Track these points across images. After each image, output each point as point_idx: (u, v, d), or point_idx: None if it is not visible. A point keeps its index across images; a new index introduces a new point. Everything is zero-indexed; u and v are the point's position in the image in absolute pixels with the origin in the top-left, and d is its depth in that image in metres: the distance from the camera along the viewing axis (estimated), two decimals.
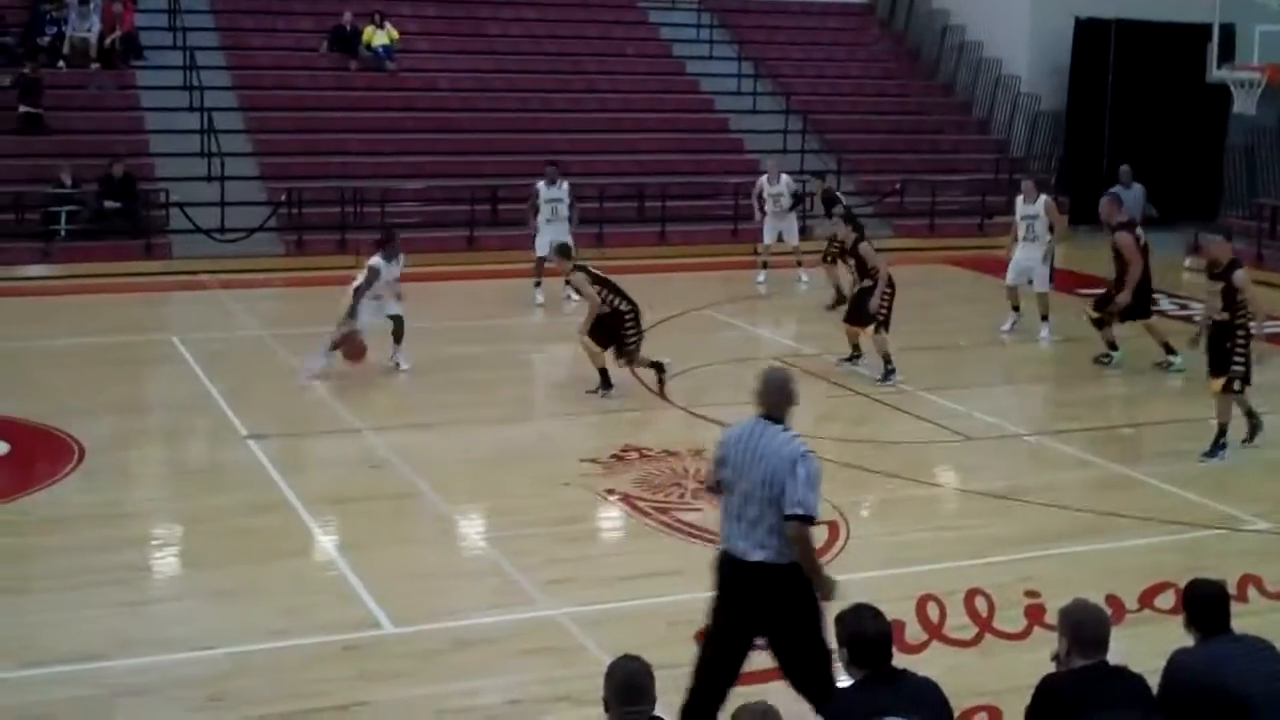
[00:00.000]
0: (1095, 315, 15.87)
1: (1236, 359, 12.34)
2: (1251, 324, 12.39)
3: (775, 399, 6.86)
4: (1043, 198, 17.15)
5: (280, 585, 9.41)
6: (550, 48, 27.49)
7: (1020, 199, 17.37)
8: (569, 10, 28.60)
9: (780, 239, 20.55)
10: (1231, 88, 19.79)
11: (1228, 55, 20.36)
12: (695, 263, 22.27)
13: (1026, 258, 17.18)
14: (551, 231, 18.33)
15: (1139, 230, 15.99)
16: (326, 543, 10.39)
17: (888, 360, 15.07)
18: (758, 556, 6.65)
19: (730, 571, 6.78)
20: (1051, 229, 17.08)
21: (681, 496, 11.25)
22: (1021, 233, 17.22)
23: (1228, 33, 20.17)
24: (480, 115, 25.41)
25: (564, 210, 18.79)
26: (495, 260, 21.36)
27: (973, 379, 15.85)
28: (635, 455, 12.29)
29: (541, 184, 18.89)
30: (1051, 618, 6.58)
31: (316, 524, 10.65)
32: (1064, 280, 18.26)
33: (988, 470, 12.49)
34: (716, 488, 6.99)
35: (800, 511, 6.56)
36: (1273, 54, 19.46)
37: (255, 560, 9.89)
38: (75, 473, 11.74)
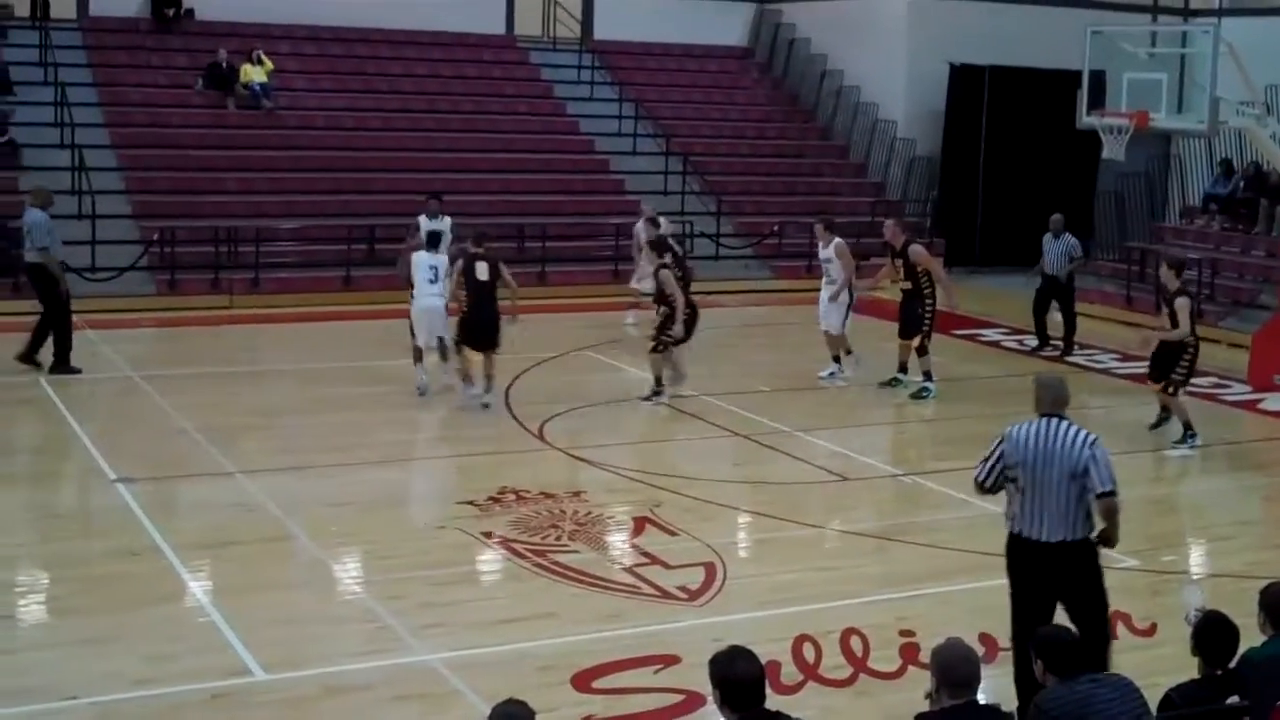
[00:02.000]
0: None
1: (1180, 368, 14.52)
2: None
3: (1055, 398, 7.82)
4: (835, 241, 17.10)
5: (148, 632, 9.19)
6: (430, 87, 27.40)
7: (819, 245, 17.38)
8: (450, 49, 28.53)
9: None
10: (1101, 134, 20.15)
11: (1098, 102, 20.76)
12: (575, 303, 22.22)
13: (821, 301, 17.39)
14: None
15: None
16: (196, 588, 10.18)
17: (659, 381, 15.67)
18: (1059, 537, 7.62)
19: (1032, 554, 7.73)
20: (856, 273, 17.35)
21: (559, 539, 11.17)
22: (824, 277, 17.42)
23: (1098, 79, 20.57)
24: (358, 154, 25.24)
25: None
26: (372, 300, 21.17)
27: (849, 419, 15.95)
28: (513, 497, 12.19)
29: (423, 217, 18.49)
30: (926, 656, 6.61)
31: (186, 569, 10.43)
32: (946, 322, 18.36)
33: (864, 510, 12.58)
34: (993, 487, 7.90)
35: (1110, 489, 7.58)
36: (1141, 101, 19.86)
37: (122, 607, 9.66)
38: None
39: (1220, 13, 25.65)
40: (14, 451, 14.16)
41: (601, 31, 30.62)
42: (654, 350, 15.72)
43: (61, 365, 16.51)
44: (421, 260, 15.62)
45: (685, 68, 30.84)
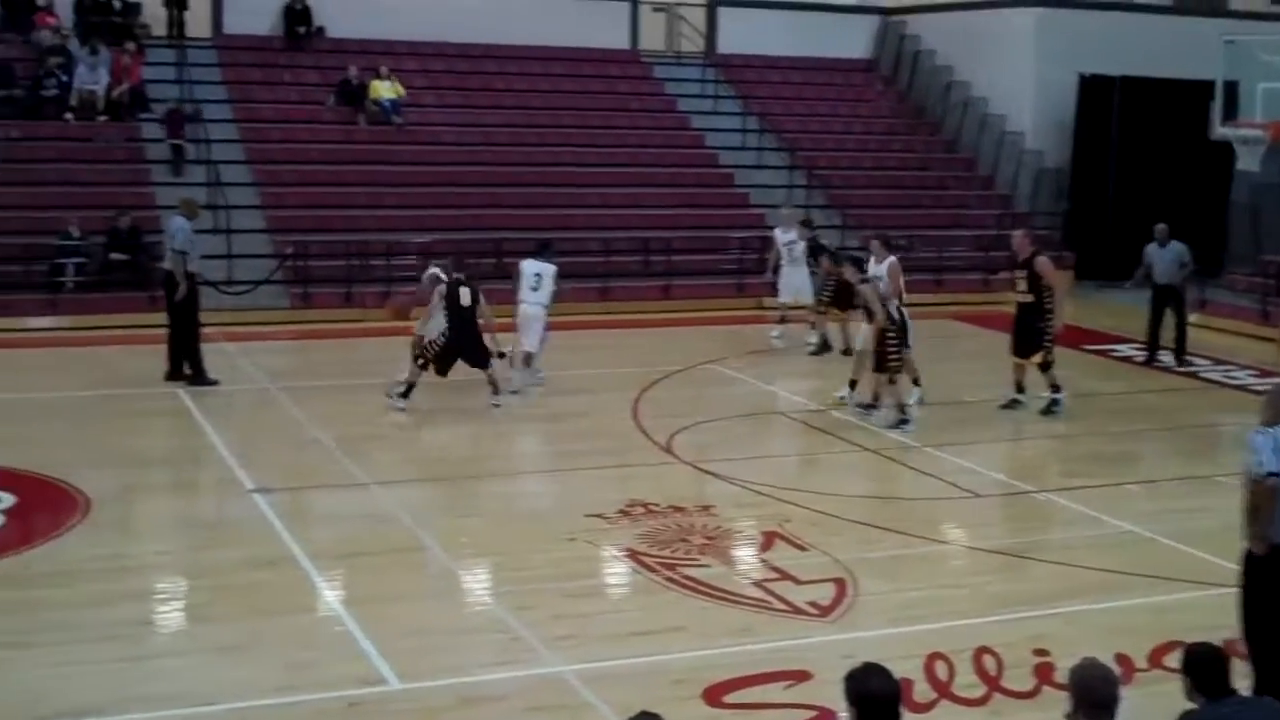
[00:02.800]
0: None
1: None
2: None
3: None
4: (890, 260, 15.74)
5: (284, 641, 9.35)
6: (555, 101, 27.61)
7: (871, 260, 16.15)
8: (575, 65, 28.74)
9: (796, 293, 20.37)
10: (1235, 145, 19.82)
11: (1232, 112, 20.40)
12: (700, 317, 22.25)
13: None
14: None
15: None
16: (331, 598, 10.34)
17: (901, 408, 15.17)
18: None
19: None
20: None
21: (688, 553, 11.18)
22: None
23: (1232, 90, 20.24)
24: (485, 169, 25.51)
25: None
26: (499, 314, 21.33)
27: (981, 435, 15.77)
28: (642, 510, 12.23)
29: (527, 262, 17.21)
30: (1061, 676, 6.54)
31: (321, 579, 10.60)
32: (1072, 336, 18.17)
33: (995, 527, 12.46)
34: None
35: None
36: (1276, 111, 19.51)
37: (259, 615, 9.82)
38: (80, 526, 11.70)
39: None
40: (154, 462, 14.48)
41: (725, 45, 30.67)
42: (883, 375, 15.29)
43: (198, 377, 16.84)
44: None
45: (810, 80, 30.77)
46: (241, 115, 25.66)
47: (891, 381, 15.22)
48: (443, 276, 16.06)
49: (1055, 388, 16.16)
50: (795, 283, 20.36)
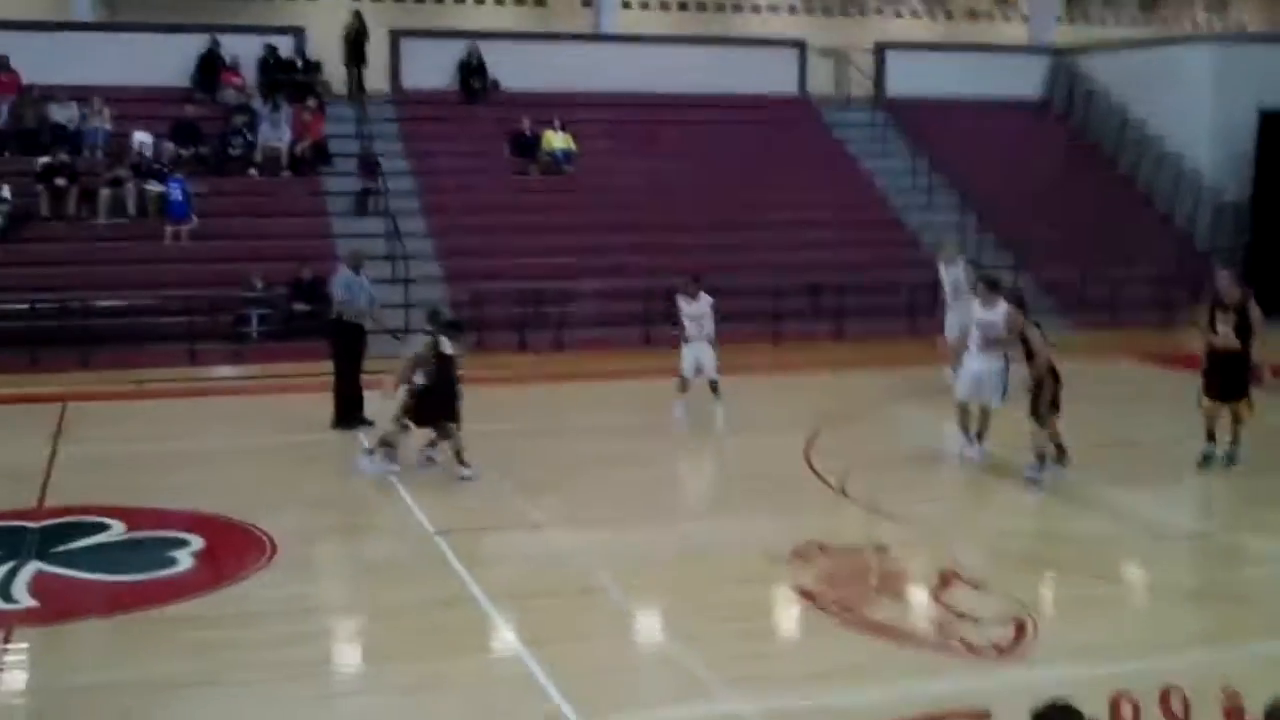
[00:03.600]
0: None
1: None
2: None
3: None
4: (1002, 305, 15.16)
5: (466, 680, 9.50)
6: (726, 148, 27.79)
7: (978, 303, 15.58)
8: (745, 111, 28.92)
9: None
10: None
11: None
12: (873, 357, 22.11)
13: (973, 369, 15.54)
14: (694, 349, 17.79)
15: None
16: (511, 637, 10.48)
17: (1041, 455, 14.52)
18: None
19: None
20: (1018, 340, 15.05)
21: (864, 593, 11.14)
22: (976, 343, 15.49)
23: None
24: (656, 215, 25.73)
25: (708, 325, 17.87)
26: (672, 357, 21.51)
27: (1158, 475, 15.46)
28: (817, 551, 12.22)
29: (681, 298, 17.97)
30: (1253, 717, 6.41)
31: (502, 618, 10.76)
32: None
33: (1176, 567, 12.20)
34: None
35: None
36: None
37: (441, 655, 9.99)
38: (267, 568, 12.04)
39: None
40: (337, 505, 14.81)
41: (894, 89, 30.61)
42: (1036, 420, 14.45)
43: (341, 421, 17.19)
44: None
45: (980, 122, 30.52)
46: (418, 168, 26.28)
47: (1041, 427, 14.62)
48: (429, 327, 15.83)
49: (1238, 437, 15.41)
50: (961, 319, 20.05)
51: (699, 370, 17.65)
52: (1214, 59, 28.25)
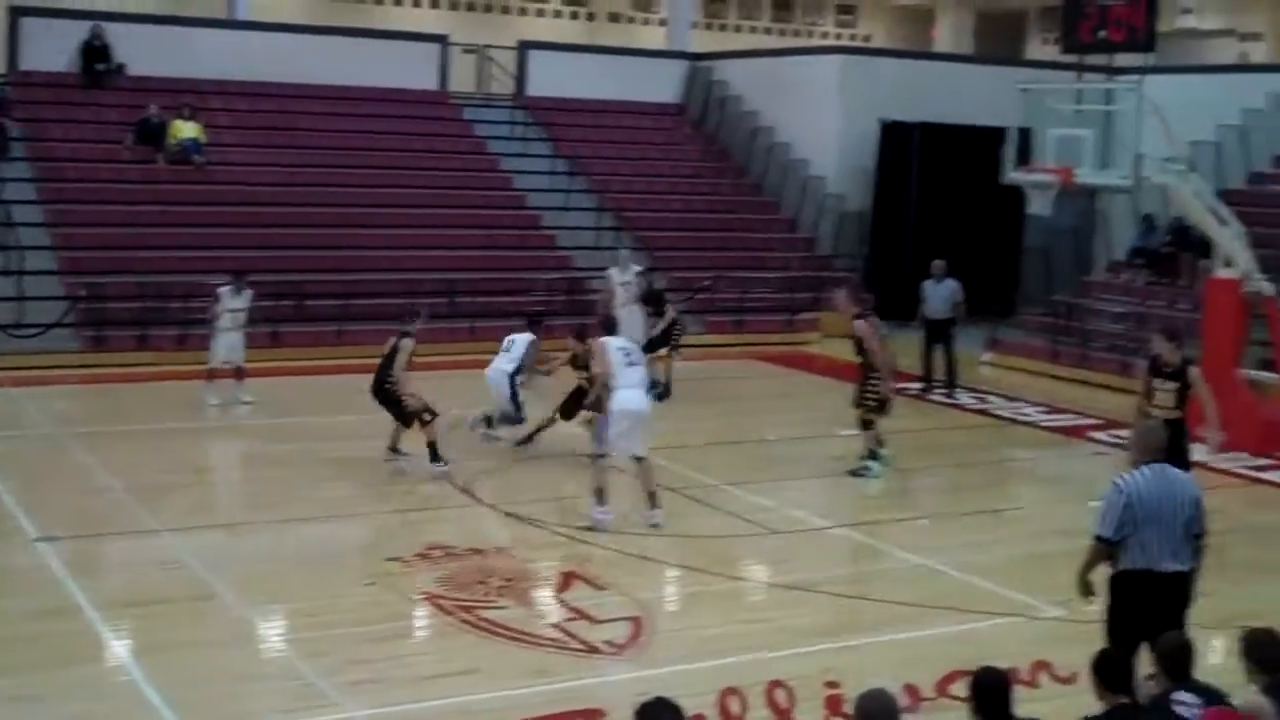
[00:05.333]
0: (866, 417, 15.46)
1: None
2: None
3: (1157, 445, 8.57)
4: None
5: (69, 693, 9.07)
6: (362, 143, 27.32)
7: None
8: (382, 105, 28.50)
9: None
10: (1026, 190, 20.36)
11: (1025, 158, 20.98)
12: None
13: None
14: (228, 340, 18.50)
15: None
16: (119, 648, 10.06)
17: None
18: (1176, 567, 8.32)
19: (1155, 584, 8.30)
20: None
21: (486, 595, 11.12)
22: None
23: (1025, 136, 20.81)
24: (289, 210, 25.13)
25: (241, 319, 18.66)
26: (298, 356, 21.12)
27: (779, 472, 15.97)
28: (441, 554, 12.13)
29: (225, 289, 18.63)
30: (850, 707, 6.65)
31: (109, 629, 10.31)
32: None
33: (792, 563, 12.58)
34: (1119, 540, 8.28)
35: (1205, 530, 8.45)
36: (1066, 158, 20.09)
37: (43, 667, 9.50)
38: None
39: (1144, 70, 26.05)
40: None
41: (535, 88, 30.75)
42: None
43: None
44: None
45: (619, 123, 30.97)
46: (34, 154, 24.95)
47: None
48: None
49: (873, 453, 15.56)
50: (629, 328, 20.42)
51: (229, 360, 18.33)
52: (840, 70, 29.34)
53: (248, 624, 10.69)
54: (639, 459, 13.10)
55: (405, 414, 14.82)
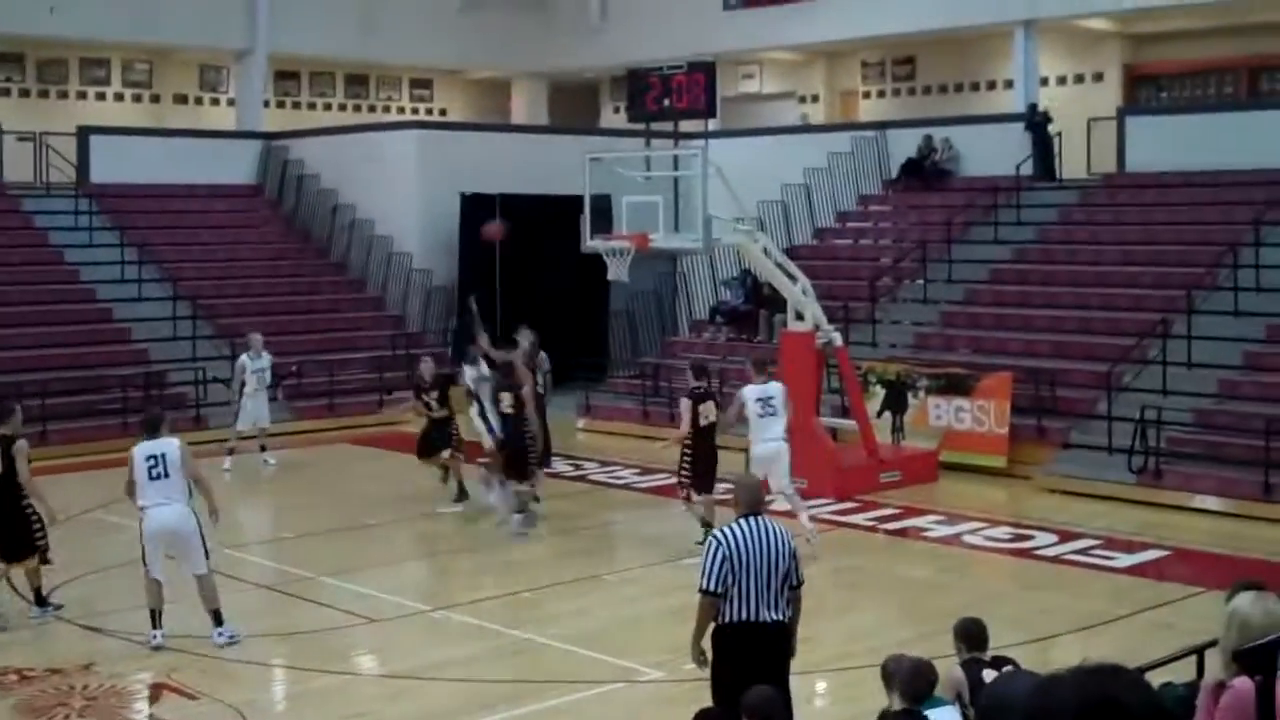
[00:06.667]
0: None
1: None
2: None
3: (754, 498, 8.73)
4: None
5: None
6: None
7: None
8: None
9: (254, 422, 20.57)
10: (605, 256, 20.68)
11: (603, 226, 21.31)
12: (81, 462, 20.82)
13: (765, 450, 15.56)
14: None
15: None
16: None
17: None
18: (775, 617, 8.41)
19: (756, 635, 8.38)
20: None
21: (67, 718, 10.39)
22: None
23: (602, 204, 21.15)
24: None
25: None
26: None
27: (379, 558, 15.63)
28: (15, 678, 11.29)
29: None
30: None
31: None
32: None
33: (394, 650, 12.29)
34: (722, 591, 8.29)
35: (801, 581, 8.57)
36: (641, 223, 20.49)
37: None
38: None
39: (708, 135, 27.02)
40: None
41: (99, 175, 29.46)
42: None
43: None
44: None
45: (190, 207, 29.95)
46: None
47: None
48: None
49: (523, 509, 16.29)
50: (255, 411, 20.48)
51: None
52: (418, 145, 29.27)
53: None
54: (199, 576, 12.30)
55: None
